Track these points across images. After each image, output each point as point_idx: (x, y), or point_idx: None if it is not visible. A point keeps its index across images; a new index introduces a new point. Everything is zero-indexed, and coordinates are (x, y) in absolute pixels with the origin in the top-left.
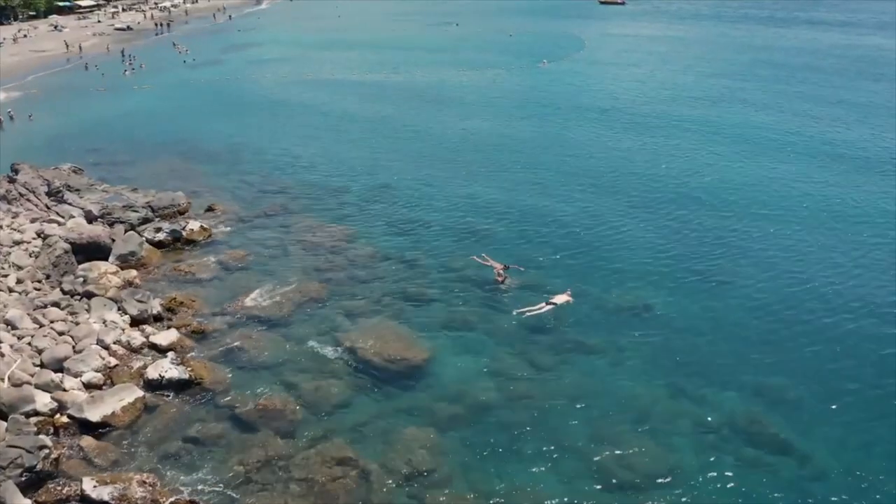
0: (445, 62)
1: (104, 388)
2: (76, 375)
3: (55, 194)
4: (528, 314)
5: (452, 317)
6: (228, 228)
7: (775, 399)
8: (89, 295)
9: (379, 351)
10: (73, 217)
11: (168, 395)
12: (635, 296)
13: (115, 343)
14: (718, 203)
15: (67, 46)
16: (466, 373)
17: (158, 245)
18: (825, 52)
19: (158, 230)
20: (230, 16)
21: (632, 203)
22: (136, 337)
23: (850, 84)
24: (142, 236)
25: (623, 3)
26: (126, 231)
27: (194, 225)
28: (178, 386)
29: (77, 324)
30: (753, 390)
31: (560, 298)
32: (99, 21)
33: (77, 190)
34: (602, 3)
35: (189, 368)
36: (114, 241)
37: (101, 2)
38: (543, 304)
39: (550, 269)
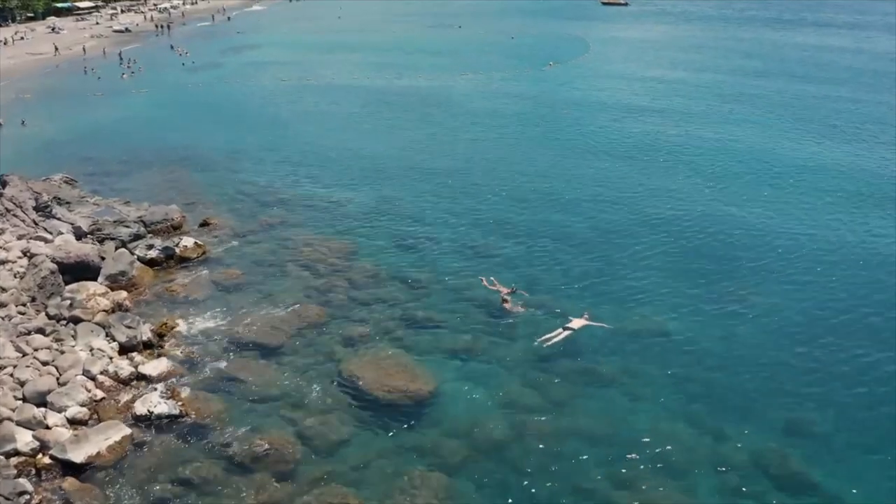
0: (449, 65)
1: (90, 423)
2: (60, 410)
3: (43, 209)
4: (549, 343)
5: (459, 344)
6: (224, 244)
7: (804, 437)
8: (76, 320)
9: (382, 382)
10: (62, 233)
11: (157, 432)
12: (651, 320)
13: (101, 374)
14: (738, 219)
15: (56, 50)
16: (475, 407)
17: (150, 263)
18: (838, 56)
19: (150, 247)
20: (228, 17)
21: (646, 219)
22: (124, 367)
23: (867, 91)
24: (133, 254)
25: (626, 4)
26: (117, 248)
27: (188, 241)
28: (168, 421)
29: (62, 352)
30: (780, 426)
31: (578, 322)
32: (97, 23)
33: (67, 203)
34: (604, 3)
35: (180, 403)
36: (103, 259)
37: (99, 3)
38: (561, 329)
39: (561, 291)
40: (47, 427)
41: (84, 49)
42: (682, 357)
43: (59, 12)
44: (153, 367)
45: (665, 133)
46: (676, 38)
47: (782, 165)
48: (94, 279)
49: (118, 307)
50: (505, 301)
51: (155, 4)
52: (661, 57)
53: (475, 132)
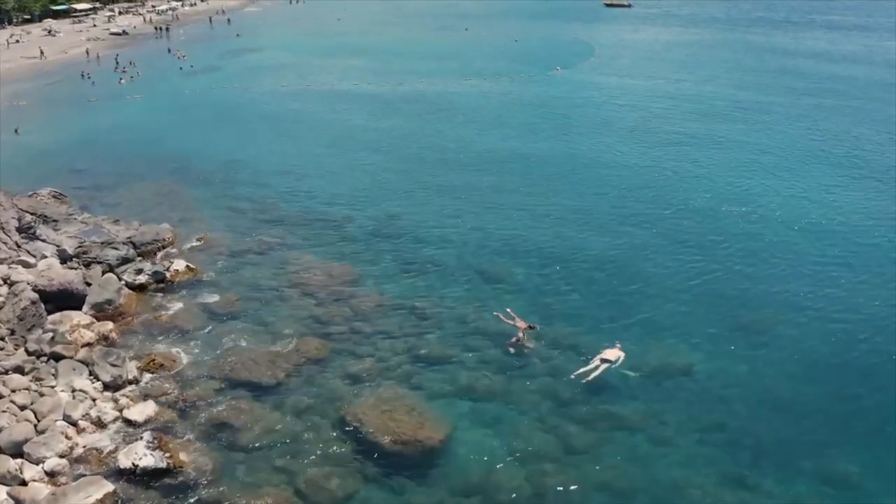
0: (454, 70)
1: (70, 473)
2: (38, 462)
3: (27, 230)
4: (589, 378)
5: (471, 383)
6: (218, 267)
7: (843, 486)
8: (57, 357)
9: (388, 430)
10: (46, 257)
11: (142, 488)
12: (675, 355)
13: (83, 418)
14: (766, 243)
15: (42, 54)
16: (489, 457)
17: (139, 289)
18: (852, 60)
19: (139, 272)
20: (229, 19)
21: (665, 240)
22: (108, 411)
23: (890, 103)
24: (121, 280)
25: (629, 6)
26: (103, 273)
27: (179, 265)
28: (155, 476)
29: (41, 394)
30: (816, 475)
31: (612, 353)
32: (94, 25)
33: (54, 221)
34: (608, 5)
35: (167, 454)
36: (89, 285)
37: (97, 5)
38: (599, 361)
39: (577, 323)
40: (23, 482)
41: (87, 52)
42: (709, 399)
43: (57, 14)
44: (139, 410)
45: (684, 145)
46: (683, 42)
47: (810, 182)
48: (79, 307)
49: (103, 339)
50: (518, 338)
51: (153, 6)
52: (670, 62)
53: (483, 143)
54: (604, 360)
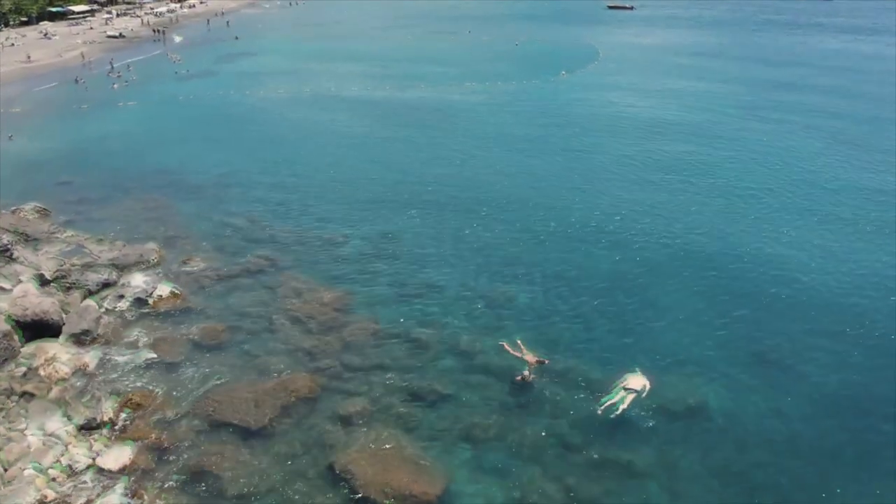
0: (457, 75)
1: None
2: None
3: (4, 252)
4: (617, 413)
5: (472, 426)
6: (204, 292)
7: None
8: (28, 396)
9: (380, 482)
10: (22, 282)
11: None
12: (689, 391)
13: (53, 466)
14: (783, 269)
15: (29, 58)
16: None
17: (120, 317)
18: (862, 64)
19: (121, 298)
20: (227, 22)
21: (679, 264)
22: (81, 458)
23: None
24: (101, 307)
25: (631, 8)
26: (83, 299)
27: (163, 290)
28: None
29: (10, 439)
30: None
31: (637, 382)
32: (91, 28)
33: (35, 240)
34: (610, 7)
35: None
36: (67, 313)
37: (94, 7)
38: (623, 392)
39: (587, 353)
40: None
41: (82, 55)
42: (725, 441)
43: (54, 17)
44: (114, 457)
45: (698, 162)
46: (688, 45)
47: (832, 207)
48: (56, 335)
49: (80, 372)
50: (525, 374)
51: (151, 8)
52: (676, 65)
53: (486, 155)
54: (629, 390)
